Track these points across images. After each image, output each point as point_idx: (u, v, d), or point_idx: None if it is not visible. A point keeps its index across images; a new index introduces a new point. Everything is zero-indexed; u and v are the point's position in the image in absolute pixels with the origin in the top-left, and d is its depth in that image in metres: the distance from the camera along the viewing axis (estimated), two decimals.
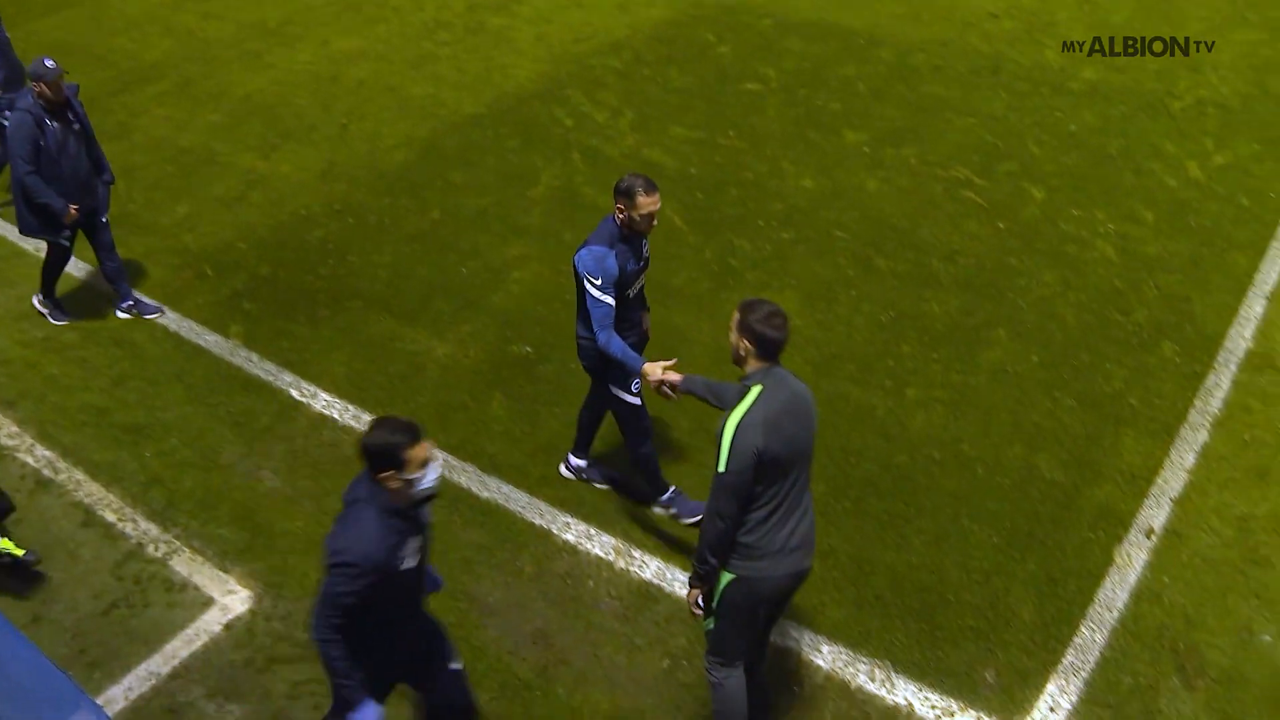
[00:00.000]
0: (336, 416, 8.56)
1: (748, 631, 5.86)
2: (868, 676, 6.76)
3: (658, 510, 7.76)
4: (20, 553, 7.28)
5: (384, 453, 4.95)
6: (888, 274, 9.86)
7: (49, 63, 8.78)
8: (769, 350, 5.41)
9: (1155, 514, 7.86)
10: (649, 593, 7.24)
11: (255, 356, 9.20)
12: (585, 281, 6.84)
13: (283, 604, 7.18)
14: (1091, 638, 7.09)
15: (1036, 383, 8.76)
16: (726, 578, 5.60)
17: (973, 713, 6.62)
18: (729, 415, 5.34)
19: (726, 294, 9.63)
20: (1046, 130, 11.84)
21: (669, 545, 7.54)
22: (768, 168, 11.28)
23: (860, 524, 7.68)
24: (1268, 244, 10.46)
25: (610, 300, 6.85)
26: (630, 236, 6.94)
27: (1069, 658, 6.96)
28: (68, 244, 9.32)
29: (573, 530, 7.67)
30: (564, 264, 9.69)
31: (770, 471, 5.34)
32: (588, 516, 7.75)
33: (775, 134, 11.83)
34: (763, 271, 9.93)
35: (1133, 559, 7.57)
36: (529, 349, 9.14)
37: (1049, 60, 13.08)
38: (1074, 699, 6.76)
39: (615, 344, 6.92)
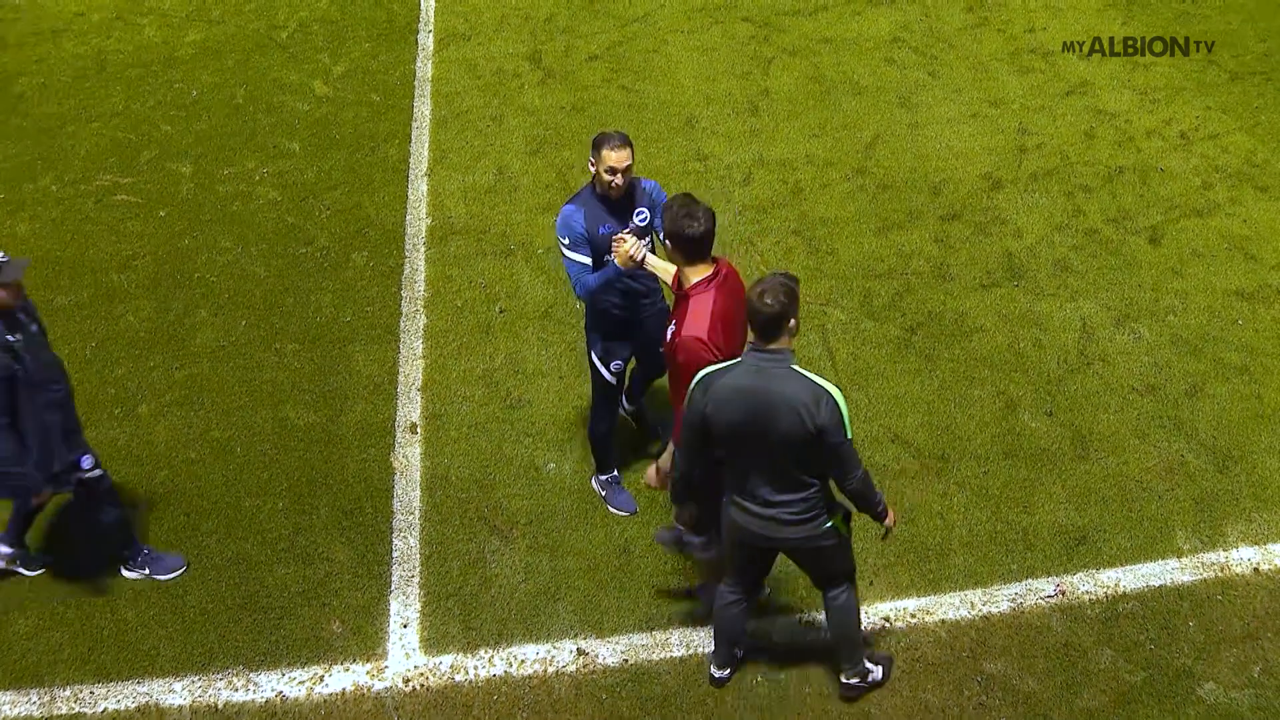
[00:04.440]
0: None
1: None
2: (229, 689, 6.52)
3: (594, 484, 7.57)
4: None
5: None
6: (73, 308, 9.23)
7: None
8: (752, 328, 5.28)
9: (410, 409, 8.16)
10: None
11: None
12: (558, 244, 6.47)
13: None
14: (407, 545, 7.27)
15: (257, 343, 8.70)
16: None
17: (340, 667, 6.62)
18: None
19: None
20: (171, 106, 11.57)
21: None
22: None
23: None
24: (408, 128, 11.04)
25: (582, 258, 6.45)
26: (603, 197, 6.45)
27: (396, 573, 7.11)
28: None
29: None
30: None
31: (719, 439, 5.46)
32: None
33: None
34: None
35: (409, 458, 7.82)
36: None
37: (150, 39, 12.74)
38: (418, 607, 6.94)
39: (592, 280, 6.48)
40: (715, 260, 5.82)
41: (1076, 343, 8.49)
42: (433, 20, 12.87)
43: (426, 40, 12.50)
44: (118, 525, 6.96)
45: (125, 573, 7.12)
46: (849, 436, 5.32)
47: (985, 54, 11.89)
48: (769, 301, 5.15)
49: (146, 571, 7.08)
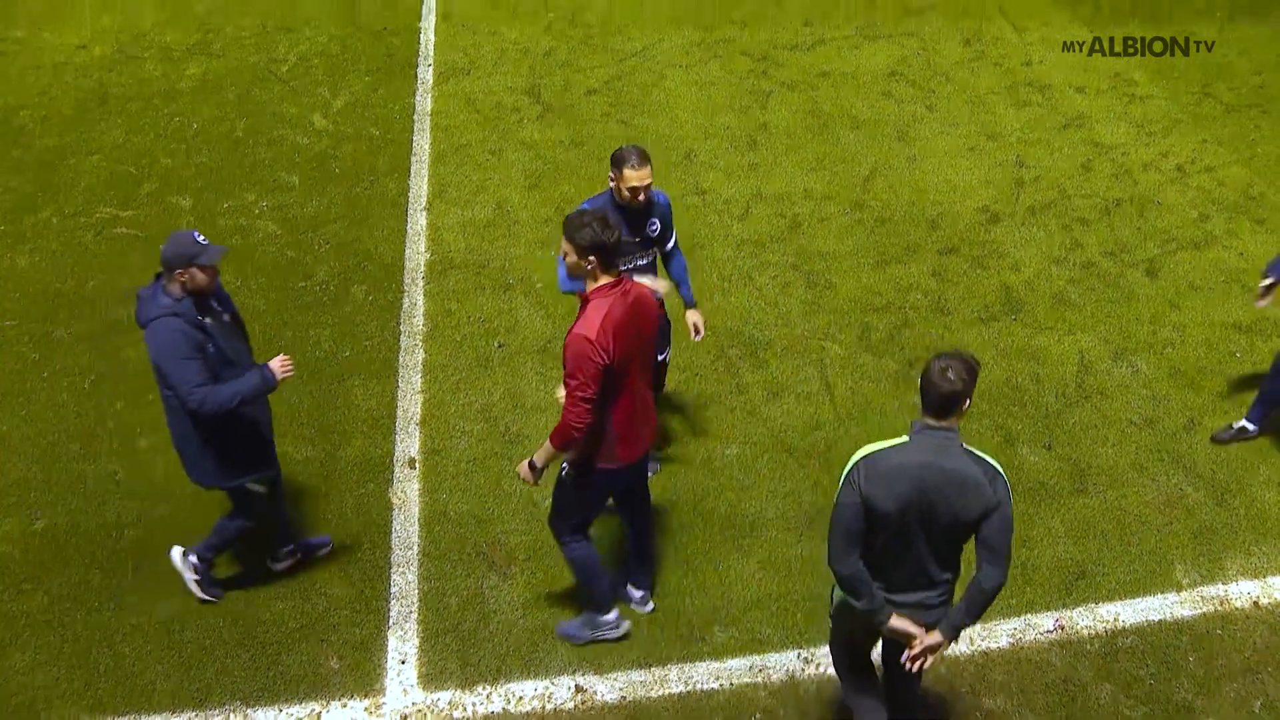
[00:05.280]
0: None
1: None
2: None
3: None
4: None
5: None
6: (73, 341, 9.23)
7: (200, 237, 6.21)
8: (926, 403, 5.02)
9: (409, 444, 8.14)
10: None
11: None
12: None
13: None
14: (405, 581, 7.24)
15: None
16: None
17: (337, 703, 6.59)
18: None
19: None
20: (172, 139, 11.61)
21: None
22: None
23: (154, 589, 7.23)
24: (408, 162, 11.08)
25: None
26: (622, 207, 6.69)
27: (394, 609, 7.08)
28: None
29: None
30: None
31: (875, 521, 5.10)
32: None
33: None
34: None
35: (408, 493, 7.80)
36: None
37: (150, 72, 12.80)
38: (416, 642, 6.91)
39: (567, 287, 6.63)
40: (622, 279, 5.87)
41: (1074, 376, 8.51)
42: (432, 54, 12.96)
43: (426, 74, 12.58)
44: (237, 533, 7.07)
45: (177, 562, 7.17)
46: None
47: (982, 87, 11.97)
48: (950, 378, 4.91)
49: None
